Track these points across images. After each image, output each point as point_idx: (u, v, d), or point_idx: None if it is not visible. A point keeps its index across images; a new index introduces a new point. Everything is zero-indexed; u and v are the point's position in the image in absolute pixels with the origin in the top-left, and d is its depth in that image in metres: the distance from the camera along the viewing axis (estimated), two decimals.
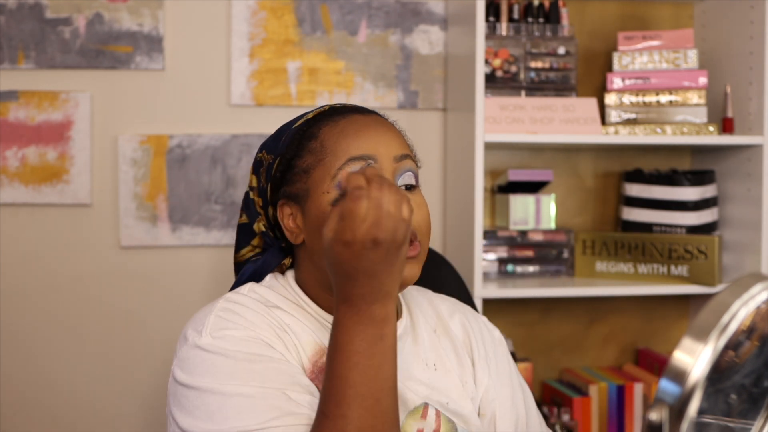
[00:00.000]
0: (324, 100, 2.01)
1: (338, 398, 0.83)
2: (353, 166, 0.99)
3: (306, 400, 0.92)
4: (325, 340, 1.00)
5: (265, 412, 0.89)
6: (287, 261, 1.10)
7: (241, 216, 1.14)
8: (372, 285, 0.84)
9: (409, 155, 1.04)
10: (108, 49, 1.94)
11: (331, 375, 0.85)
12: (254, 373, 0.92)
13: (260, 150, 1.11)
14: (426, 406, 1.03)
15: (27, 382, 1.93)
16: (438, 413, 1.04)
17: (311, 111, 1.10)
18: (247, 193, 1.14)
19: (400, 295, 1.13)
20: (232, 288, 1.10)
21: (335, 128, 1.03)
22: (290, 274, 1.08)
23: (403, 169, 1.02)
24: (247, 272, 1.11)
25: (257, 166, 1.11)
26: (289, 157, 1.05)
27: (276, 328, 0.98)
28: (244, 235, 1.14)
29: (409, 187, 1.03)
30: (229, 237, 1.98)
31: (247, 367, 0.92)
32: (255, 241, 1.12)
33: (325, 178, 1.00)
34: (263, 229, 1.10)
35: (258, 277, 1.09)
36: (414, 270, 0.99)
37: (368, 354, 0.84)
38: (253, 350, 0.94)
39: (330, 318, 1.02)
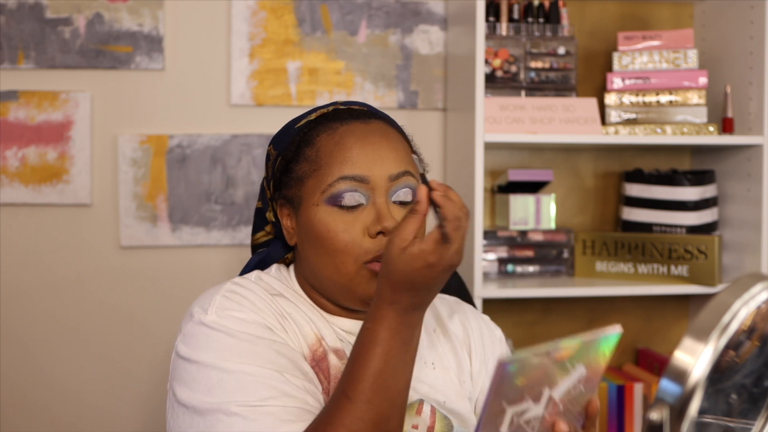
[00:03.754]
0: (324, 100, 2.01)
1: (366, 386, 0.87)
2: (344, 185, 1.00)
3: (302, 385, 0.95)
4: (323, 331, 1.04)
5: (264, 390, 0.92)
6: (290, 255, 1.13)
7: (258, 200, 1.17)
8: (425, 297, 0.89)
9: (407, 171, 1.03)
10: (108, 49, 1.94)
11: (362, 364, 0.88)
12: (255, 354, 0.94)
13: (270, 142, 1.12)
14: (421, 402, 1.05)
15: (27, 382, 1.92)
16: (433, 410, 1.05)
17: (315, 110, 1.10)
18: (263, 180, 1.15)
19: None
20: (240, 275, 1.12)
21: (332, 137, 1.03)
22: (291, 268, 1.11)
23: (398, 186, 1.02)
24: (252, 263, 1.15)
25: (266, 159, 1.13)
26: (287, 160, 1.06)
27: (278, 315, 1.01)
28: (259, 219, 1.16)
29: (405, 203, 1.03)
30: (229, 237, 1.98)
31: (248, 347, 0.95)
32: (268, 228, 1.15)
33: (316, 191, 1.02)
34: (273, 219, 1.12)
35: (263, 267, 1.12)
36: None
37: (402, 352, 0.89)
38: (255, 332, 0.97)
39: (326, 315, 1.06)
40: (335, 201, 1.00)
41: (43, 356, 1.93)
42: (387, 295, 0.88)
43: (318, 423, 0.90)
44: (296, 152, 1.05)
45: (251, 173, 1.98)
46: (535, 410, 0.78)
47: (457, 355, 1.13)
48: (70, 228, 1.94)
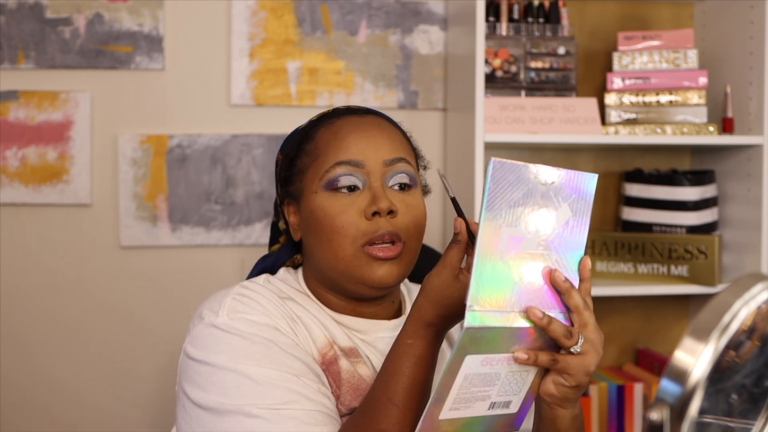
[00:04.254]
0: (324, 100, 2.01)
1: (411, 395, 0.91)
2: (340, 170, 1.03)
3: (318, 389, 0.96)
4: (334, 334, 1.05)
5: (283, 394, 0.93)
6: (298, 257, 1.14)
7: (273, 216, 1.19)
8: (455, 323, 0.93)
9: (403, 158, 1.06)
10: (108, 49, 1.94)
11: (407, 375, 0.91)
12: (269, 357, 0.95)
13: (279, 150, 1.15)
14: None
15: (27, 382, 1.92)
16: None
17: (319, 113, 1.13)
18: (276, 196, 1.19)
19: (405, 293, 1.18)
20: (247, 279, 1.13)
21: (329, 130, 1.07)
22: (300, 270, 1.12)
23: (393, 171, 1.04)
24: (257, 269, 1.16)
25: (275, 166, 1.16)
26: (291, 158, 1.09)
27: (288, 319, 1.02)
28: (274, 232, 1.19)
29: (403, 187, 1.05)
30: (229, 237, 1.98)
31: (262, 350, 0.96)
32: (282, 239, 1.17)
33: (315, 179, 1.05)
34: (284, 227, 1.14)
35: (270, 271, 1.13)
36: (391, 270, 1.01)
37: (433, 366, 0.94)
38: (268, 336, 0.97)
39: (334, 315, 1.07)
40: (332, 185, 1.03)
41: (43, 356, 1.93)
42: (429, 317, 0.91)
43: (361, 428, 0.91)
44: (298, 149, 1.09)
45: (251, 173, 1.98)
46: (529, 241, 0.85)
47: None
48: (70, 228, 1.94)
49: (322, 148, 1.05)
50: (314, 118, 1.12)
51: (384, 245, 1.01)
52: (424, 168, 1.16)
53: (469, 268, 0.88)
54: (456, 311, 0.91)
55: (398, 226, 1.02)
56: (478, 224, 0.94)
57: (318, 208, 1.03)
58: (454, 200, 0.97)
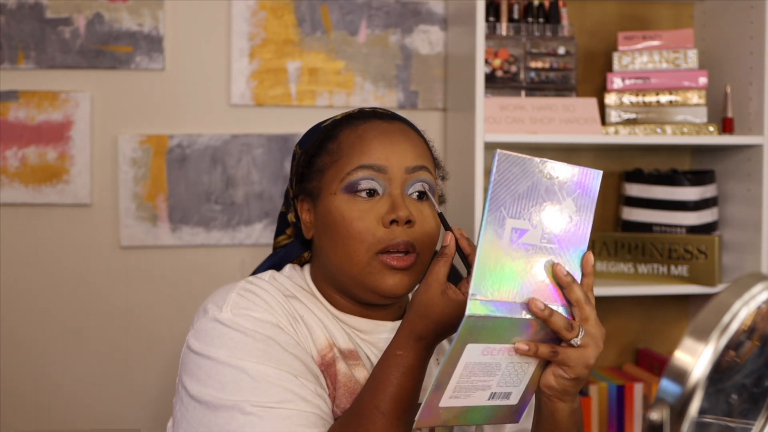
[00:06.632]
0: (324, 100, 2.01)
1: (397, 404, 0.92)
2: (362, 173, 1.02)
3: (315, 390, 0.96)
4: (335, 335, 1.05)
5: (280, 392, 0.93)
6: (306, 254, 1.14)
7: (282, 205, 1.19)
8: (445, 336, 0.94)
9: (424, 166, 1.05)
10: (108, 49, 1.94)
11: (394, 384, 0.92)
12: (269, 355, 0.95)
13: (297, 144, 1.15)
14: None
15: (27, 382, 1.92)
16: None
17: (343, 112, 1.13)
18: (287, 185, 1.18)
19: (410, 294, 1.16)
20: (253, 274, 1.13)
21: (354, 132, 1.06)
22: (307, 268, 1.12)
23: (414, 179, 1.04)
24: (265, 265, 1.16)
25: (292, 159, 1.15)
26: (310, 155, 1.09)
27: (290, 317, 1.02)
28: (282, 223, 1.18)
29: (421, 196, 1.05)
30: (229, 237, 1.98)
31: (263, 348, 0.96)
32: (289, 231, 1.17)
33: (335, 180, 1.04)
34: (294, 220, 1.14)
35: (278, 267, 1.13)
36: (402, 280, 1.02)
37: (421, 378, 0.94)
38: (270, 333, 0.97)
39: (339, 314, 1.07)
40: (352, 188, 1.02)
41: (43, 356, 1.93)
42: (419, 330, 0.92)
43: (347, 431, 0.92)
44: (319, 147, 1.08)
45: (251, 173, 1.98)
46: (532, 233, 0.87)
47: None
48: (70, 228, 1.94)
49: (345, 150, 1.05)
50: (338, 117, 1.11)
51: (398, 254, 1.01)
52: (443, 178, 1.15)
53: (457, 282, 0.90)
54: (446, 326, 0.91)
55: (414, 236, 1.02)
56: (467, 239, 0.96)
57: (335, 211, 1.03)
58: (441, 215, 0.99)
